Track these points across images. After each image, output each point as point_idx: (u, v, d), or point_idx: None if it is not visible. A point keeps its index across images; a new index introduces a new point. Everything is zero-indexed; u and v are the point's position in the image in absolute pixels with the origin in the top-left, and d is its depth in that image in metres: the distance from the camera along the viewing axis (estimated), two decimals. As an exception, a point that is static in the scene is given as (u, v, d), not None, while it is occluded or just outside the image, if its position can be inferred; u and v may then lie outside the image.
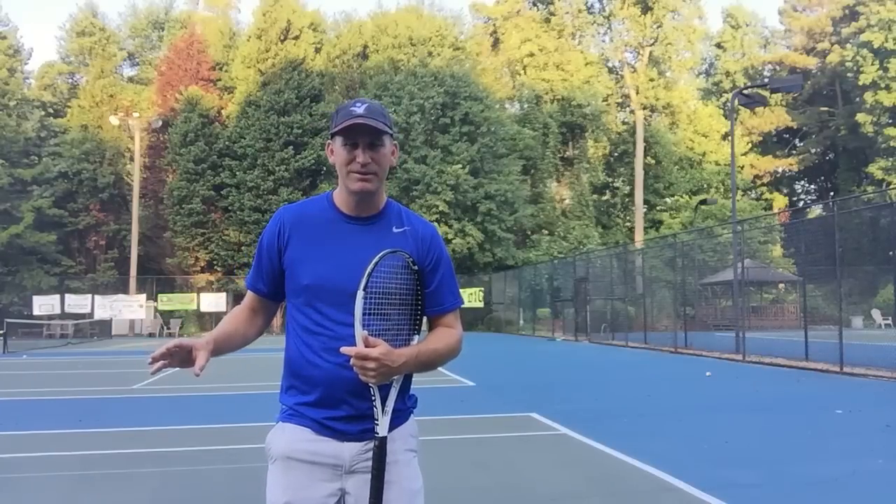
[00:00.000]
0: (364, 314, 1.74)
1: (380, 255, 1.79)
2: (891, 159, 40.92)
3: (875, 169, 41.53)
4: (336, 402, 1.84)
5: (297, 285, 1.90)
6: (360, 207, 1.93)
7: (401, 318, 1.87)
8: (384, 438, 1.79)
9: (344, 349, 1.74)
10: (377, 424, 1.79)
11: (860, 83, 41.43)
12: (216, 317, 34.49)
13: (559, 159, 42.44)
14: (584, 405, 9.25)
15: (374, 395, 1.80)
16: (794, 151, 50.63)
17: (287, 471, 1.86)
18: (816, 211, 41.02)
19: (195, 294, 33.79)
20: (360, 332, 1.73)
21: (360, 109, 1.86)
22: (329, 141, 1.95)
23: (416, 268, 1.88)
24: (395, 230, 1.94)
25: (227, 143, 35.23)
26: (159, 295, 33.62)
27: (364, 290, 1.75)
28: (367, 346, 1.73)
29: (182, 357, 1.80)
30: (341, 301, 1.82)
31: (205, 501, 4.90)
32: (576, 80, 42.37)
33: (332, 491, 1.84)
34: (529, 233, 38.97)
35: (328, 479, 1.85)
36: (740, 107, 36.50)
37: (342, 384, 1.82)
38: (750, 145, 46.69)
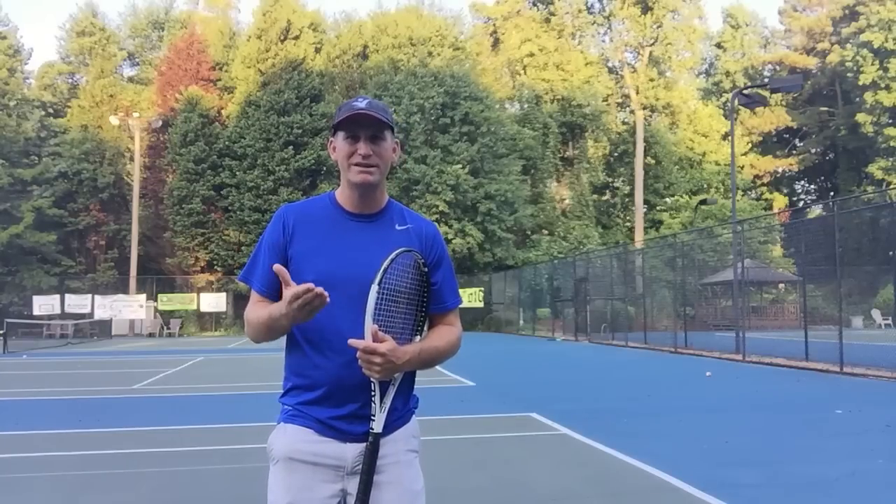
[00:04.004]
0: (374, 310, 1.76)
1: (396, 252, 1.81)
2: (891, 159, 40.93)
3: (875, 169, 41.53)
4: (340, 401, 1.84)
5: (300, 282, 1.86)
6: (363, 204, 1.94)
7: (406, 318, 1.88)
8: (378, 435, 1.80)
9: (352, 341, 1.74)
10: (373, 420, 1.80)
11: (860, 83, 41.43)
12: (216, 317, 34.54)
13: (559, 159, 42.43)
14: (584, 405, 9.25)
15: (373, 391, 1.81)
16: (794, 151, 50.64)
17: (289, 472, 1.86)
18: (816, 211, 41.06)
19: (195, 294, 33.80)
20: (370, 325, 1.74)
21: (362, 104, 1.88)
22: (331, 138, 1.96)
23: (425, 269, 1.90)
24: (397, 227, 1.95)
25: (227, 143, 35.23)
26: (159, 295, 33.63)
27: (378, 284, 1.76)
28: (375, 341, 1.74)
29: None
30: (345, 298, 1.81)
31: (205, 501, 4.90)
32: (576, 80, 42.36)
33: (334, 492, 1.84)
34: (529, 233, 38.94)
35: (330, 480, 1.85)
36: (740, 107, 36.51)
37: (346, 383, 1.83)
38: (750, 145, 46.69)
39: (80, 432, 7.47)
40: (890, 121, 41.19)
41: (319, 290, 1.68)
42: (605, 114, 43.79)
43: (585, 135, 43.14)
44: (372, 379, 1.78)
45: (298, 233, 1.91)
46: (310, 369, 1.87)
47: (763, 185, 49.92)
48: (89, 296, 32.74)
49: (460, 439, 6.91)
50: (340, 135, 1.91)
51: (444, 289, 1.98)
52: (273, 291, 1.92)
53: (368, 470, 1.77)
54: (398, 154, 2.01)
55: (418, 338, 1.91)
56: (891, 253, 20.13)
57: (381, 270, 1.77)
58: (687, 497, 4.71)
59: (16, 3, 61.25)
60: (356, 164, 1.88)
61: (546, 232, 39.69)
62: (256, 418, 7.56)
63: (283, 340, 1.96)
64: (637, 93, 43.12)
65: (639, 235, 40.16)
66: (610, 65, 47.23)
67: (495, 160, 35.41)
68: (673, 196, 43.31)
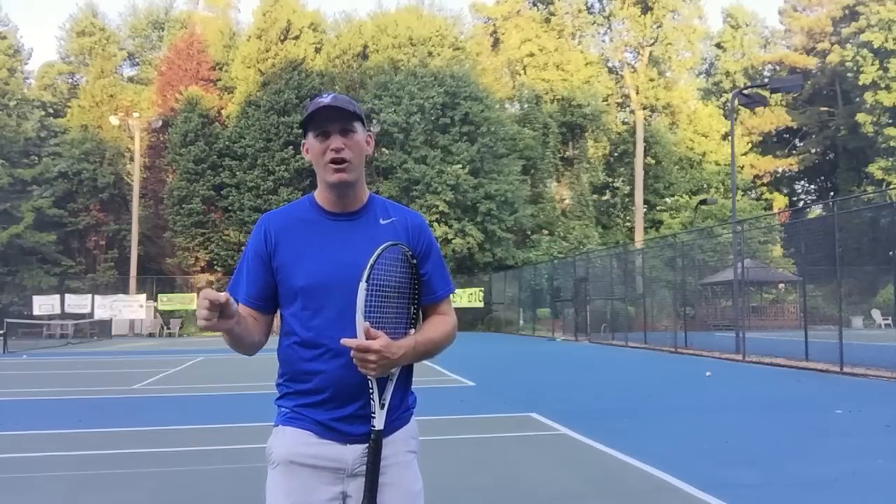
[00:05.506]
0: (364, 307, 1.74)
1: (382, 246, 1.79)
2: (891, 159, 40.92)
3: (875, 169, 41.54)
4: (341, 402, 1.83)
5: (290, 289, 1.87)
6: (343, 202, 1.91)
7: (398, 312, 1.86)
8: (380, 431, 1.79)
9: (345, 341, 1.73)
10: (374, 417, 1.79)
11: (860, 83, 41.43)
12: (216, 317, 34.48)
13: (559, 159, 42.43)
14: (584, 405, 9.25)
15: (371, 388, 1.80)
16: (794, 151, 50.64)
17: (289, 475, 1.84)
18: (816, 211, 41.05)
19: (195, 294, 33.77)
20: (361, 323, 1.73)
21: (326, 99, 1.86)
22: (304, 141, 1.94)
23: (413, 261, 1.87)
24: (382, 222, 1.93)
25: (227, 143, 35.25)
26: (159, 295, 33.62)
27: (366, 281, 1.74)
28: (368, 338, 1.72)
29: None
30: (337, 300, 1.81)
31: (205, 501, 4.90)
32: (576, 80, 42.37)
33: (335, 495, 1.83)
34: (529, 233, 38.96)
35: (330, 482, 1.83)
36: (740, 107, 36.52)
37: (347, 384, 1.81)
38: (750, 145, 46.69)
39: (80, 432, 7.47)
40: (890, 121, 41.18)
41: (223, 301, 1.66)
42: (605, 114, 43.77)
43: (585, 135, 43.14)
44: (369, 377, 1.77)
45: (282, 241, 1.89)
46: (309, 375, 1.85)
47: (763, 185, 49.92)
48: (89, 296, 32.73)
49: (460, 439, 6.90)
50: (311, 134, 1.89)
51: (433, 279, 1.96)
52: (260, 301, 1.91)
53: (374, 468, 1.77)
54: (372, 146, 1.98)
55: (413, 331, 1.89)
56: (891, 253, 20.14)
57: (368, 267, 1.75)
58: (687, 497, 4.71)
59: (16, 3, 61.38)
60: (330, 163, 1.85)
61: (546, 232, 39.69)
62: (256, 418, 7.55)
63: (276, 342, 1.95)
64: (637, 93, 43.12)
65: (639, 235, 40.16)
66: (610, 65, 47.24)
67: (495, 160, 35.42)
68: (673, 196, 43.31)
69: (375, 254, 1.77)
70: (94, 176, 36.06)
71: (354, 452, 1.83)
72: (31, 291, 33.18)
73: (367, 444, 1.80)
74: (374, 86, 35.70)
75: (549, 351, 20.77)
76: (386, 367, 1.76)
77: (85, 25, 40.25)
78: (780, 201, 49.40)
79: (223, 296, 1.68)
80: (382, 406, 1.81)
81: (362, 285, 1.74)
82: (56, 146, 37.34)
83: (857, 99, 43.42)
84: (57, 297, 32.59)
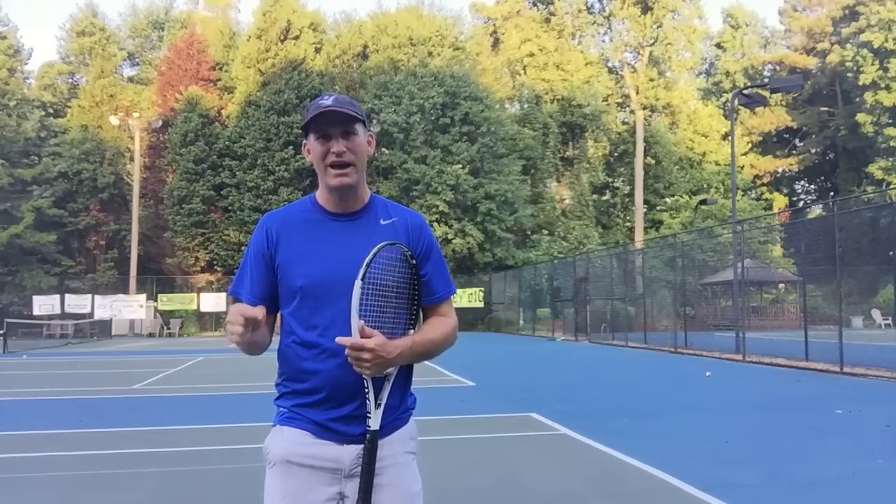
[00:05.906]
0: (360, 305, 1.74)
1: (378, 246, 1.79)
2: (891, 159, 40.92)
3: (875, 169, 41.54)
4: (338, 402, 1.83)
5: (289, 288, 1.87)
6: (344, 203, 1.92)
7: (397, 312, 1.86)
8: (376, 432, 1.79)
9: (339, 339, 1.73)
10: (369, 417, 1.79)
11: (860, 83, 41.43)
12: (216, 317, 34.52)
13: (559, 159, 42.45)
14: (584, 405, 9.25)
15: (367, 388, 1.79)
16: (794, 151, 50.64)
17: (286, 476, 1.84)
18: (816, 211, 41.05)
19: (195, 294, 33.80)
20: (356, 321, 1.73)
21: (328, 101, 1.86)
22: (305, 141, 1.94)
23: (413, 262, 1.87)
24: (382, 222, 1.93)
25: (227, 143, 35.26)
26: (159, 295, 33.63)
27: (362, 280, 1.75)
28: (363, 337, 1.72)
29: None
30: (335, 299, 1.80)
31: (205, 501, 4.90)
32: (576, 80, 42.38)
33: (332, 495, 1.83)
34: (529, 233, 38.97)
35: (328, 483, 1.83)
36: (740, 107, 36.49)
37: (343, 384, 1.81)
38: (750, 145, 46.70)
39: (80, 432, 7.47)
40: (890, 121, 41.18)
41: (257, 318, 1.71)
42: (605, 114, 43.78)
43: (585, 135, 43.15)
44: (364, 376, 1.77)
45: (283, 240, 1.90)
46: (306, 374, 1.85)
47: (763, 185, 49.92)
48: (89, 296, 32.73)
49: (460, 439, 6.90)
50: (312, 136, 1.89)
51: (434, 279, 1.96)
52: (265, 300, 1.91)
53: (369, 469, 1.76)
54: (373, 146, 1.98)
55: (412, 333, 1.89)
56: (891, 253, 20.14)
57: (364, 265, 1.76)
58: (687, 497, 4.71)
59: (16, 3, 61.36)
60: (332, 166, 1.86)
61: (546, 232, 39.70)
62: (256, 418, 7.54)
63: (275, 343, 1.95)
64: (637, 93, 43.12)
65: (639, 235, 40.16)
66: (610, 65, 47.25)
67: (495, 160, 35.43)
68: (673, 196, 43.31)
69: (372, 253, 1.78)
70: (94, 176, 36.06)
71: (352, 453, 1.82)
72: (31, 291, 33.18)
73: (364, 443, 1.80)
74: (374, 86, 35.70)
75: (549, 351, 20.77)
76: (381, 367, 1.76)
77: (85, 25, 40.24)
78: (780, 201, 49.40)
79: (260, 312, 1.71)
80: (378, 406, 1.80)
81: (357, 283, 1.74)
82: (56, 146, 37.35)
83: (857, 99, 43.43)
84: (57, 297, 32.60)
